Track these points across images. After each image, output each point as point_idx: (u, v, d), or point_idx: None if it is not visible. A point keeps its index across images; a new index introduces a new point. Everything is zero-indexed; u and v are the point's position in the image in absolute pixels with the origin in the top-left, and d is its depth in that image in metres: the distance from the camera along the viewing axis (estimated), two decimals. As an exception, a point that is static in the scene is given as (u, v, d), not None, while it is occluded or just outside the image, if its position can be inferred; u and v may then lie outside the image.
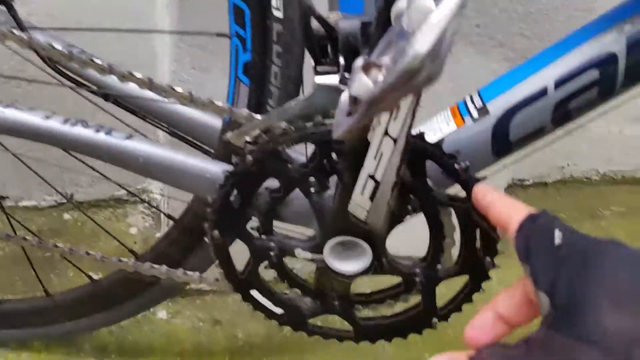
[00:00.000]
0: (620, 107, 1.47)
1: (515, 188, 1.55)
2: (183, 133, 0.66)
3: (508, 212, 0.40)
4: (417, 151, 0.48)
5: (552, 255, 0.34)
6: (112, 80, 0.61)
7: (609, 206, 1.57)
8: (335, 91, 0.47)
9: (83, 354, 0.98)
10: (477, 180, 0.50)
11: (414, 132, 0.46)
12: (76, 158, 0.80)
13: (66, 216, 1.24)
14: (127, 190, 0.82)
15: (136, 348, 1.01)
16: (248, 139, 0.50)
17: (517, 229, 0.37)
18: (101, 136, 0.55)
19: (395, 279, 0.60)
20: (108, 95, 0.64)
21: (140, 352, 1.00)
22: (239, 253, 0.61)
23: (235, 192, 0.54)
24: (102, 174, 0.76)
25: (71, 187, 1.19)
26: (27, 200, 1.21)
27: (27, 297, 0.92)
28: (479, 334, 0.39)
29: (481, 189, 0.45)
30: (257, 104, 0.57)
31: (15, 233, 0.71)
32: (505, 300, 0.40)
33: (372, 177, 0.47)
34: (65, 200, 1.20)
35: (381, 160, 0.45)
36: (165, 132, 0.67)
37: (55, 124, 0.56)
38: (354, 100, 0.36)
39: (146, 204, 1.15)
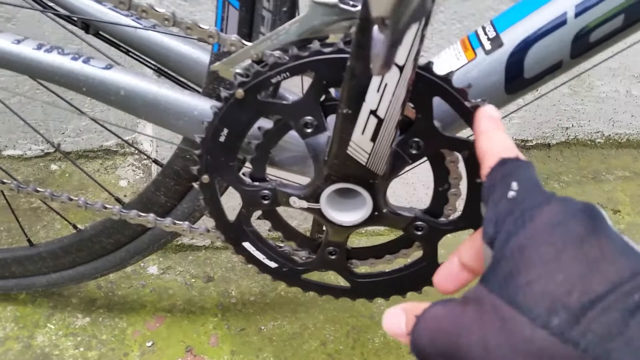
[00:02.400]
0: (630, 65, 1.41)
1: (518, 149, 1.52)
2: (169, 70, 0.60)
3: (490, 147, 0.37)
4: (423, 85, 0.43)
5: (503, 206, 0.32)
6: (92, 8, 0.56)
7: (613, 170, 1.54)
8: (334, 9, 0.42)
9: (70, 308, 0.96)
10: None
11: (421, 62, 0.42)
12: (65, 100, 0.75)
13: (53, 167, 1.19)
14: (116, 135, 0.77)
15: (125, 303, 0.98)
16: (238, 70, 0.45)
17: (487, 173, 0.35)
18: (78, 64, 0.49)
19: (396, 233, 0.57)
20: (88, 25, 0.58)
21: (129, 307, 0.97)
22: (232, 208, 0.57)
23: (225, 131, 0.49)
24: (92, 118, 0.71)
25: (58, 136, 1.14)
26: (12, 150, 1.16)
27: (11, 246, 0.88)
28: (444, 282, 0.39)
29: (483, 112, 0.41)
30: (248, 30, 0.52)
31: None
32: (467, 249, 0.38)
33: (374, 113, 0.42)
34: (52, 150, 1.15)
35: (385, 93, 0.41)
36: (151, 68, 0.62)
37: (27, 49, 0.50)
38: (381, 21, 0.31)
39: (136, 156, 1.10)
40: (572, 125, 1.53)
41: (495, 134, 0.38)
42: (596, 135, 1.57)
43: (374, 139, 0.45)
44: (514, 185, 0.33)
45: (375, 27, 0.30)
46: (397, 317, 0.35)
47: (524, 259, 0.29)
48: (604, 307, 0.26)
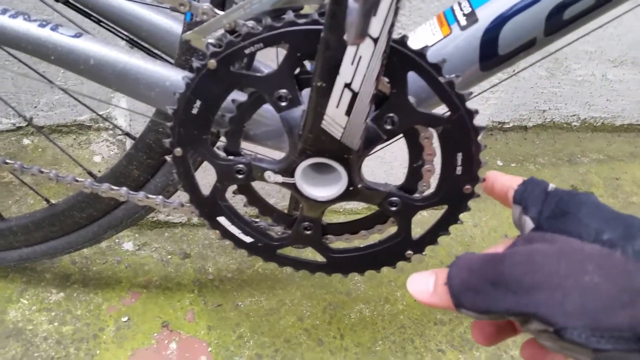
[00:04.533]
0: (606, 49, 1.43)
1: (494, 131, 1.54)
2: (142, 40, 0.59)
3: (511, 180, 0.42)
4: (398, 59, 0.43)
5: (543, 196, 0.37)
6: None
7: (587, 153, 1.57)
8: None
9: (44, 283, 0.95)
10: (462, 96, 0.45)
11: (395, 36, 0.41)
12: (37, 72, 0.73)
13: (26, 141, 1.17)
14: (90, 109, 0.75)
15: (100, 278, 0.97)
16: (210, 40, 0.45)
17: (519, 184, 0.40)
18: (46, 31, 0.48)
19: (370, 209, 0.57)
20: (57, -9, 0.56)
21: (104, 283, 0.97)
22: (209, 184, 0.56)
23: (197, 103, 0.48)
24: (64, 89, 0.68)
25: (30, 110, 1.11)
26: (-18, 123, 1.13)
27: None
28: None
29: (491, 174, 0.46)
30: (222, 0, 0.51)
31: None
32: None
33: (348, 86, 0.42)
34: (24, 124, 1.13)
35: (359, 66, 0.40)
36: (123, 39, 0.60)
37: (-11, 15, 0.48)
38: None
39: (110, 131, 1.08)
40: (549, 108, 1.55)
41: (508, 175, 0.44)
42: (572, 118, 1.60)
43: (348, 112, 0.44)
44: (552, 185, 0.38)
45: None
46: (425, 276, 0.37)
47: (574, 212, 0.34)
48: None
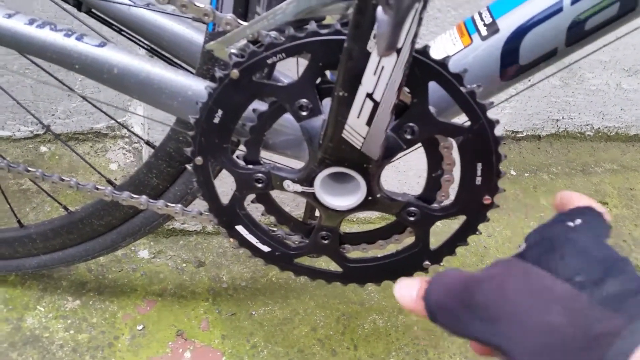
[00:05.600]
0: (620, 58, 1.42)
1: (507, 140, 1.53)
2: (163, 49, 0.60)
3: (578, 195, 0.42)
4: (419, 69, 0.43)
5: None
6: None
7: (601, 163, 1.56)
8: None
9: (60, 291, 0.95)
10: (483, 106, 0.46)
11: (417, 46, 0.41)
12: (57, 79, 0.74)
13: (43, 148, 1.18)
14: (109, 116, 0.75)
15: (115, 286, 0.98)
16: (233, 50, 0.45)
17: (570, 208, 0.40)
18: (72, 41, 0.48)
19: (384, 218, 0.57)
20: (81, 3, 0.57)
21: (120, 291, 0.97)
22: (225, 193, 0.57)
23: (219, 112, 0.49)
24: (84, 97, 0.69)
25: (47, 118, 1.13)
26: (1, 131, 1.14)
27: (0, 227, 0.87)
28: None
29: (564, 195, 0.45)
30: (244, 10, 0.51)
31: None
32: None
33: (370, 96, 0.42)
34: (41, 132, 1.14)
35: (381, 76, 0.40)
36: (144, 47, 0.61)
37: (19, 24, 0.49)
38: (386, 1, 0.31)
39: (126, 139, 1.09)
40: (563, 118, 1.54)
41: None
42: (586, 127, 1.59)
43: (369, 122, 0.45)
44: (578, 220, 0.38)
45: (380, 8, 0.30)
46: (411, 283, 0.37)
47: (559, 246, 0.34)
48: (622, 280, 0.31)
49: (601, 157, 1.57)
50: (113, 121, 1.09)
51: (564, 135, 1.59)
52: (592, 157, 1.57)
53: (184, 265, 1.04)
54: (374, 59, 0.40)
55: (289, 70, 0.59)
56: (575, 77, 1.45)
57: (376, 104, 0.43)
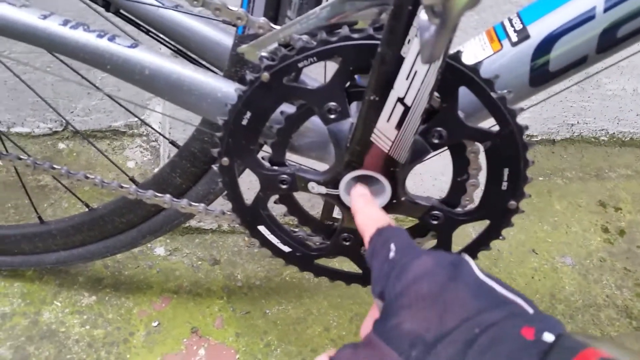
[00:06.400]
0: (638, 63, 1.41)
1: (538, 146, 1.52)
2: (190, 51, 0.60)
3: (366, 222, 0.45)
4: (451, 74, 0.43)
5: (386, 266, 0.39)
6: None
7: (615, 168, 1.55)
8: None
9: (77, 286, 0.96)
10: (513, 111, 0.46)
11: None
12: (81, 75, 0.74)
13: (61, 145, 1.19)
14: (133, 114, 0.76)
15: (131, 283, 0.99)
16: (264, 53, 0.45)
17: (369, 242, 0.43)
18: (104, 42, 0.49)
19: (405, 220, 0.57)
20: (109, 3, 0.58)
21: (136, 287, 0.98)
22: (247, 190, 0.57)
23: (248, 114, 0.49)
24: (108, 95, 0.70)
25: (67, 115, 1.14)
26: (20, 127, 1.15)
27: (20, 223, 0.88)
28: None
29: (355, 193, 0.50)
30: (274, 14, 0.51)
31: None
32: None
33: (401, 100, 0.43)
34: (60, 129, 1.15)
35: (414, 81, 0.41)
36: (170, 48, 0.61)
37: (53, 25, 0.50)
38: (431, 10, 0.31)
39: (144, 137, 1.10)
40: (578, 122, 1.54)
41: (368, 210, 0.47)
42: (601, 132, 1.58)
43: (399, 126, 0.45)
44: (392, 246, 0.40)
45: (424, 14, 0.31)
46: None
47: (397, 305, 0.36)
48: (450, 340, 0.32)
49: (615, 162, 1.56)
50: (131, 119, 1.10)
51: (579, 140, 1.58)
52: (607, 162, 1.56)
53: (200, 263, 1.05)
54: (407, 64, 0.40)
55: (311, 72, 0.59)
56: (592, 82, 1.45)
57: (407, 109, 0.43)
